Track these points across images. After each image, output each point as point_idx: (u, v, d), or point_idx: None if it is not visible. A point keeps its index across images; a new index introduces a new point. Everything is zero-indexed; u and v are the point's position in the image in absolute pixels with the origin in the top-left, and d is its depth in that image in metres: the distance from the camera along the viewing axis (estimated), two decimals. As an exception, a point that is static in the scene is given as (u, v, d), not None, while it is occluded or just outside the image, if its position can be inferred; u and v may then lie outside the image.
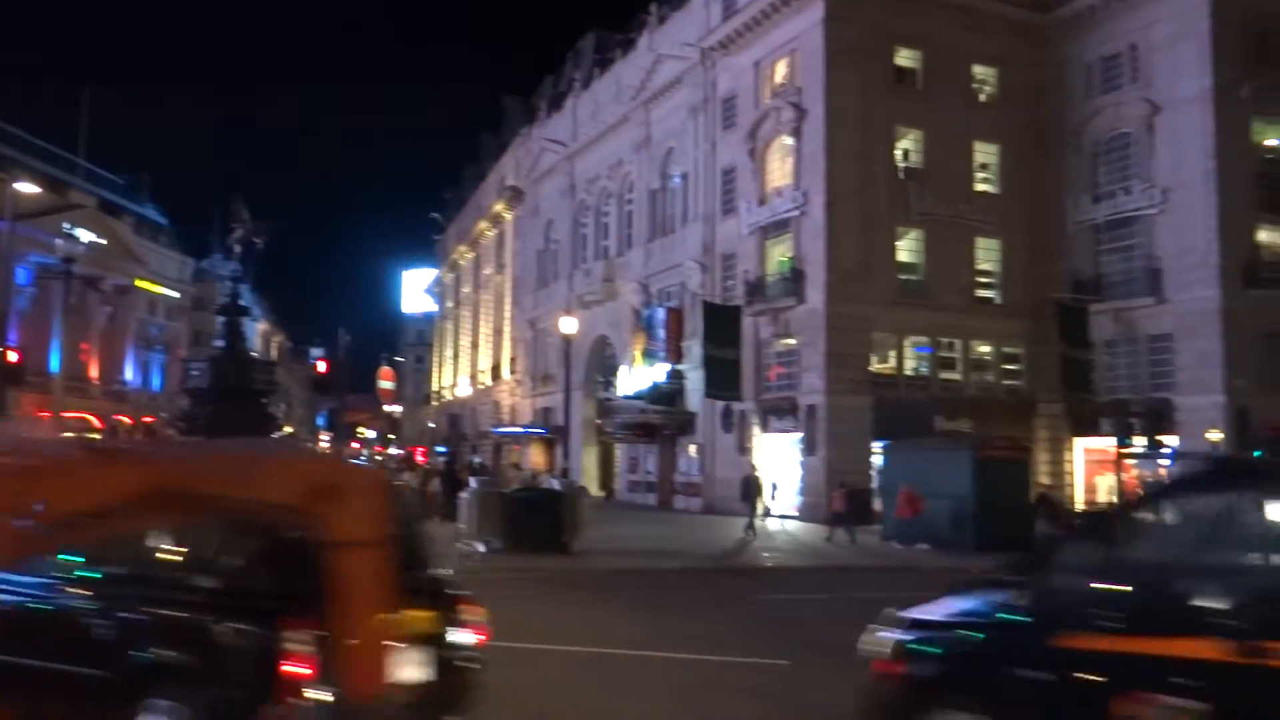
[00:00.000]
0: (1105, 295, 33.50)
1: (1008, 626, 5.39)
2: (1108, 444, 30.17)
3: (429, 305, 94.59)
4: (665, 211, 43.81)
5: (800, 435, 33.34)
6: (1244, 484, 5.54)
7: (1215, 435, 28.87)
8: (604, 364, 47.78)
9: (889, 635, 5.91)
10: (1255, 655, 4.48)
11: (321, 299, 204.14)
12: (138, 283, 64.73)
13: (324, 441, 66.96)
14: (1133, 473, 31.52)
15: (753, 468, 30.45)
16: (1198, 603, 4.91)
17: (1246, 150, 32.11)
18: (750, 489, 27.70)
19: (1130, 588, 5.14)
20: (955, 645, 5.63)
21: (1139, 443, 26.32)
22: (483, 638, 6.34)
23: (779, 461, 34.09)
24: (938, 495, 24.08)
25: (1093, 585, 5.23)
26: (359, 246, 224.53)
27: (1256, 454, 28.13)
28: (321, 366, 38.81)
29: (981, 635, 5.53)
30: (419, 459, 46.85)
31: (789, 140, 35.43)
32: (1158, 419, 28.81)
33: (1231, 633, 4.59)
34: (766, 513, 29.58)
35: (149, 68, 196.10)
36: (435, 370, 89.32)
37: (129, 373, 64.89)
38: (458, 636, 6.19)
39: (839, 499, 26.11)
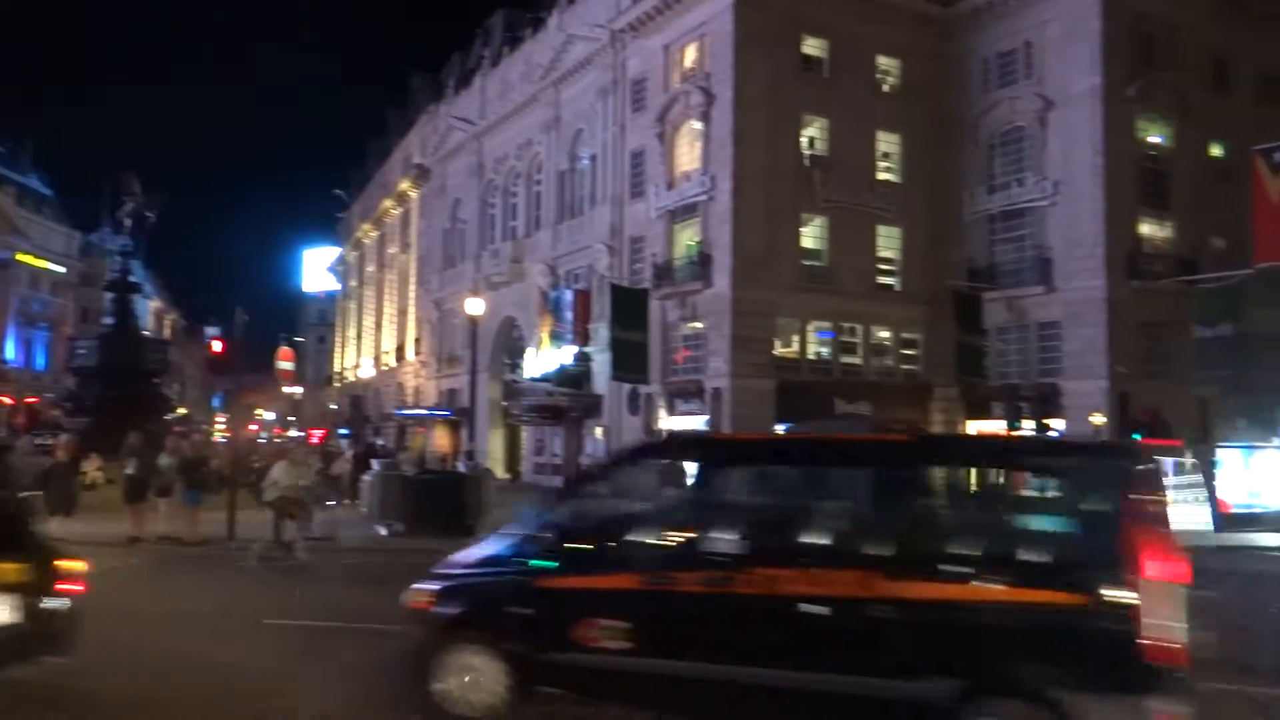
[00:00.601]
0: (999, 283, 34.67)
1: (508, 570, 6.62)
2: (999, 427, 31.29)
3: (331, 284, 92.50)
4: (574, 193, 43.67)
5: (706, 418, 33.71)
6: (667, 454, 8.14)
7: (1098, 419, 30.23)
8: (511, 346, 47.49)
9: (424, 585, 6.94)
10: (661, 583, 6.09)
11: (218, 276, 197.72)
12: (19, 256, 61.69)
13: (220, 423, 65.07)
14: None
15: None
16: (624, 547, 6.42)
17: (1131, 147, 33.55)
18: None
19: (584, 536, 6.55)
20: (470, 589, 6.78)
21: (1027, 426, 27.35)
22: (79, 588, 7.03)
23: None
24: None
25: (563, 535, 6.58)
26: (259, 223, 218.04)
27: (1135, 436, 29.67)
28: (217, 346, 37.65)
29: (490, 579, 6.70)
30: (315, 441, 45.89)
31: (698, 125, 35.64)
32: (1045, 403, 30.04)
33: (644, 567, 6.18)
34: None
35: (35, 29, 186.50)
36: (337, 351, 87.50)
37: (10, 351, 61.90)
38: (51, 587, 6.89)
39: None
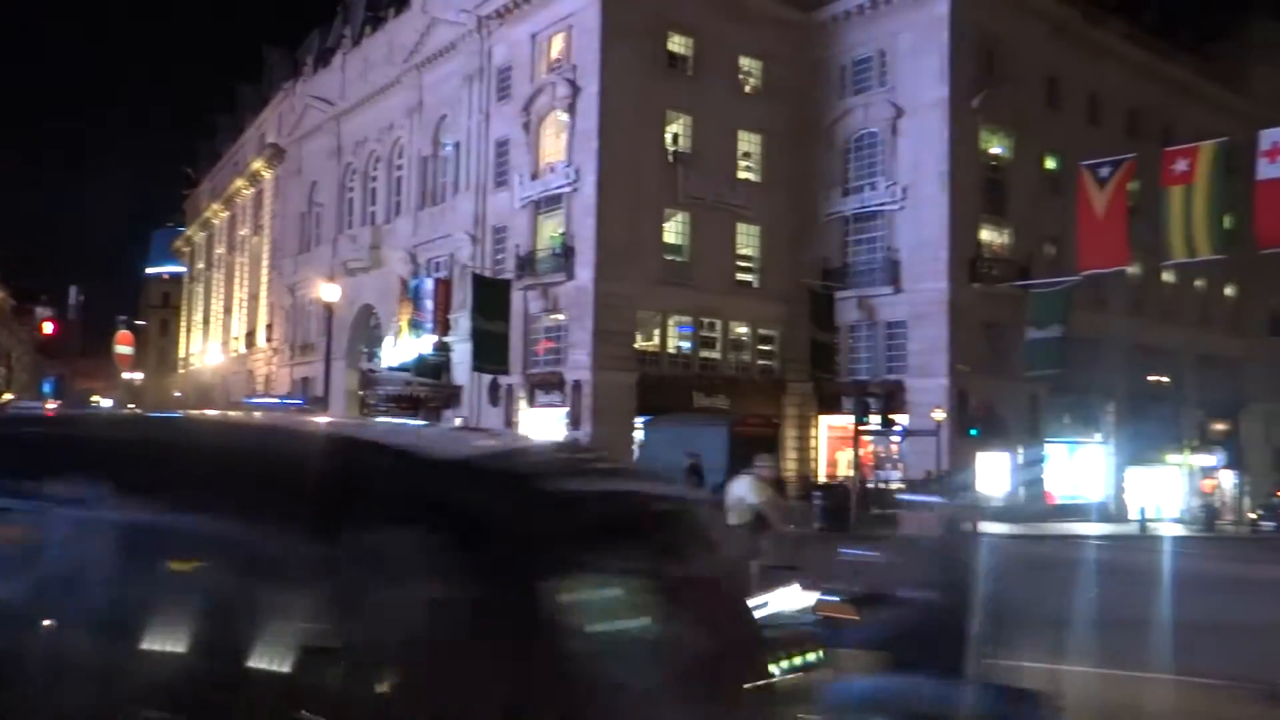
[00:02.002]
0: (851, 283, 35.99)
1: None
2: (848, 421, 32.58)
3: (177, 266, 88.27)
4: (436, 180, 42.98)
5: (566, 410, 33.81)
6: None
7: (939, 414, 31.77)
8: (368, 334, 46.43)
9: None
10: None
11: (52, 253, 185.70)
12: None
13: (50, 409, 61.16)
14: (868, 448, 34.24)
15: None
16: None
17: (975, 156, 35.38)
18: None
19: None
20: None
21: (874, 420, 28.53)
22: None
23: (544, 436, 34.41)
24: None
25: None
26: (98, 198, 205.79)
27: (972, 432, 31.35)
28: (49, 327, 35.41)
29: None
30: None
31: (563, 116, 35.62)
32: (891, 399, 31.40)
33: None
34: None
35: None
36: (183, 336, 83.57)
37: None
38: None
39: None
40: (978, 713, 3.91)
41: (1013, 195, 36.39)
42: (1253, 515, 39.99)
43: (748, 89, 37.65)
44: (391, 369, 41.19)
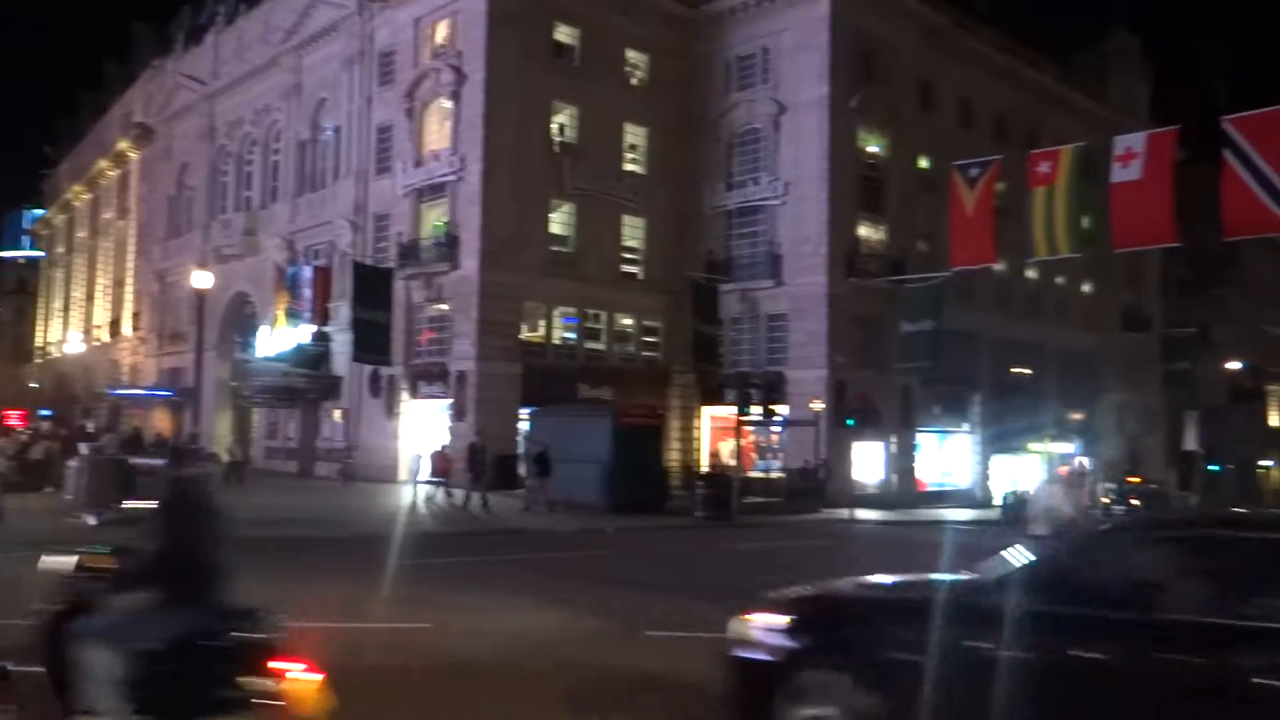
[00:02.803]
0: (735, 276, 36.59)
1: None
2: (731, 412, 33.11)
3: (34, 250, 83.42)
4: (316, 165, 41.80)
5: (450, 401, 33.43)
6: None
7: (818, 405, 32.64)
8: (242, 323, 44.86)
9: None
10: None
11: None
12: None
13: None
14: (750, 438, 34.92)
15: (479, 434, 29.12)
16: None
17: (853, 155, 36.40)
18: (478, 457, 25.74)
19: None
20: None
21: (755, 411, 29.09)
22: None
23: (427, 427, 33.96)
24: (581, 459, 25.11)
25: None
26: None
27: (849, 422, 32.27)
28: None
29: None
30: (12, 423, 41.43)
31: (448, 103, 35.13)
32: (772, 390, 32.09)
33: None
34: (444, 482, 27.12)
35: None
36: (40, 324, 79.06)
37: None
38: None
39: (444, 460, 26.49)
40: (194, 630, 4.53)
41: (888, 193, 37.58)
42: (1105, 500, 42.29)
43: (634, 82, 37.83)
44: (267, 359, 39.93)
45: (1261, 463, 58.89)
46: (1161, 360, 50.58)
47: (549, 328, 35.50)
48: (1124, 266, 47.33)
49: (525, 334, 34.48)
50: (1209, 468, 54.05)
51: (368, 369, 35.07)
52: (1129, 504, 40.54)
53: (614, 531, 20.56)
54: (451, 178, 34.34)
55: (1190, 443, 50.98)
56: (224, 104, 47.39)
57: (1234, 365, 53.00)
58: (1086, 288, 47.12)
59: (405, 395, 35.19)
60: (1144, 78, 51.47)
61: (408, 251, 35.33)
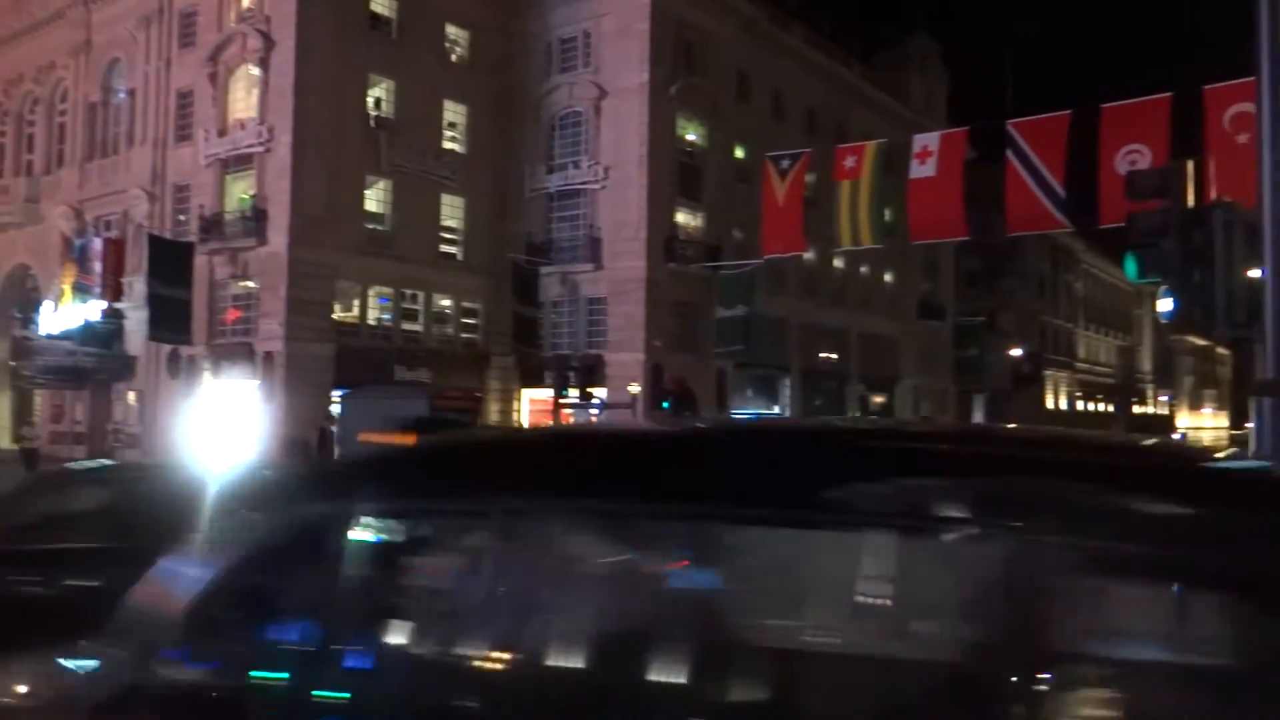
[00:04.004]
0: (555, 259, 36.63)
1: None
2: (550, 394, 33.24)
3: None
4: (108, 129, 38.97)
5: (257, 383, 32.05)
6: None
7: (635, 388, 33.20)
8: (23, 297, 41.43)
9: None
10: None
11: None
12: None
13: None
14: (569, 420, 35.12)
15: (327, 418, 27.71)
16: None
17: (671, 142, 37.04)
18: (325, 443, 24.42)
19: None
20: None
21: (573, 394, 29.31)
22: None
23: (232, 410, 32.41)
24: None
25: None
26: None
27: (664, 405, 32.95)
28: None
29: None
30: None
31: (255, 70, 33.47)
32: (590, 373, 32.39)
33: None
34: None
35: None
36: None
37: None
38: None
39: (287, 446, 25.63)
40: None
41: (706, 181, 38.48)
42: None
43: (454, 58, 37.14)
44: (51, 337, 37.00)
45: (1039, 441, 64.00)
46: (954, 347, 54.22)
47: (364, 308, 34.51)
48: (922, 258, 50.32)
49: (338, 314, 33.41)
50: (993, 446, 58.38)
51: (166, 348, 33.10)
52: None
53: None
54: (259, 148, 32.78)
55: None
56: (1, 58, 43.42)
57: (1016, 352, 57.33)
58: (888, 277, 49.79)
59: (208, 376, 33.45)
60: (941, 80, 54.70)
61: (211, 225, 33.53)
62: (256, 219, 32.43)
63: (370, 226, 34.38)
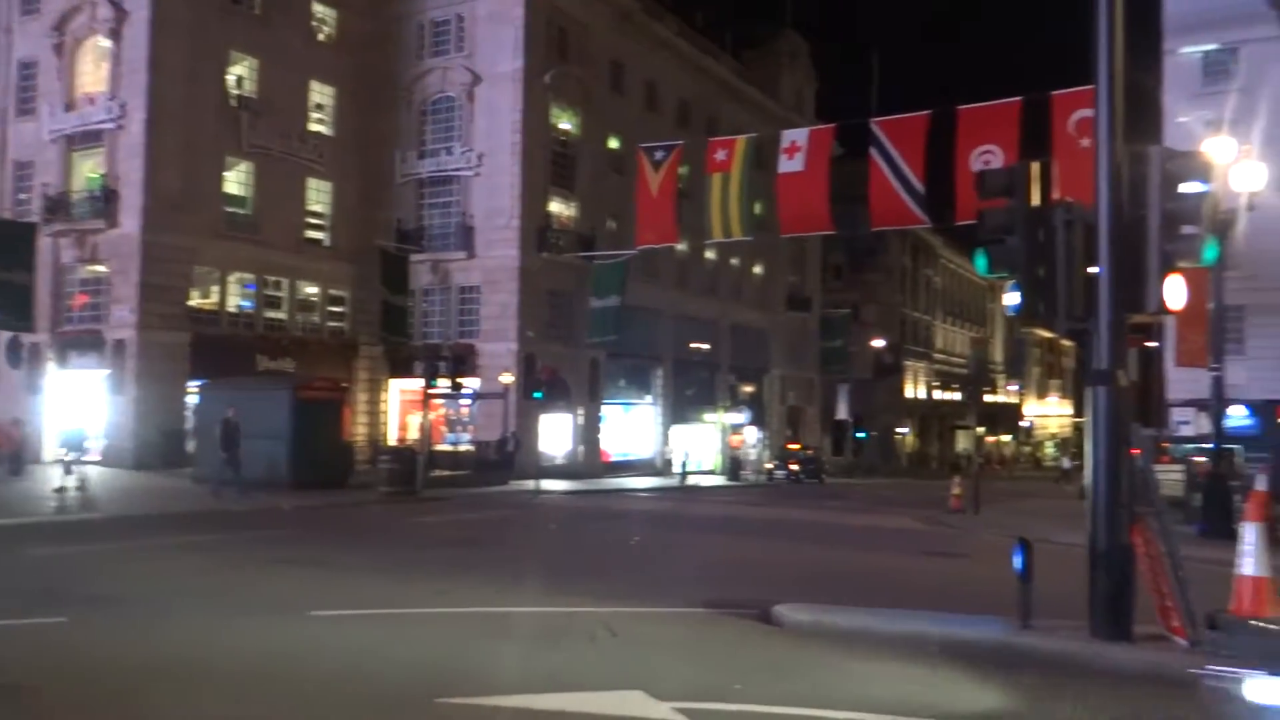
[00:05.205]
0: (426, 246, 36.06)
1: None
2: (420, 385, 32.68)
3: None
4: (-63, 100, 36.23)
5: (108, 372, 30.46)
6: None
7: (507, 378, 33.00)
8: None
9: None
10: None
11: None
12: None
13: None
14: (439, 411, 34.71)
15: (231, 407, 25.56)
16: None
17: (545, 130, 36.90)
18: (231, 434, 21.84)
19: None
20: None
21: (444, 384, 28.92)
22: None
23: (81, 401, 30.74)
24: (258, 435, 23.68)
25: None
26: None
27: (536, 395, 32.87)
28: None
29: None
30: None
31: (106, 42, 31.72)
32: (462, 362, 32.00)
33: None
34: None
35: None
36: None
37: None
38: None
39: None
40: None
41: (580, 170, 38.48)
42: (769, 466, 46.15)
43: (321, 37, 36.05)
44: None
45: (899, 429, 66.60)
46: (820, 337, 55.81)
47: (223, 295, 33.19)
48: (790, 251, 51.57)
49: (195, 301, 32.05)
50: (857, 434, 60.47)
51: (6, 335, 31.09)
52: (789, 468, 44.57)
53: (291, 510, 19.72)
54: (110, 125, 31.11)
55: (842, 412, 56.75)
56: None
57: (879, 343, 59.40)
58: (758, 269, 50.85)
59: (52, 365, 31.58)
60: (810, 78, 56.10)
61: (56, 205, 31.66)
62: (107, 200, 30.80)
63: (231, 210, 33.09)
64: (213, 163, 32.26)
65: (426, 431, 28.00)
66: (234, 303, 33.63)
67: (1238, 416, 29.70)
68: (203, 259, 31.91)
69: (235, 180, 33.44)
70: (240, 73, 33.44)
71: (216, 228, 32.07)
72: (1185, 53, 36.31)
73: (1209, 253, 7.87)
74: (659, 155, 30.13)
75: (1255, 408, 31.45)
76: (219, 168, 32.59)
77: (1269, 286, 32.43)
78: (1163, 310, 7.59)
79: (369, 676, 6.51)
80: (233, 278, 33.45)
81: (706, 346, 44.40)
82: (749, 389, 49.03)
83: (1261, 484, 12.26)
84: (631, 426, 41.95)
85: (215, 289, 32.86)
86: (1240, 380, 28.26)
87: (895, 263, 64.12)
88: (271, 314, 34.64)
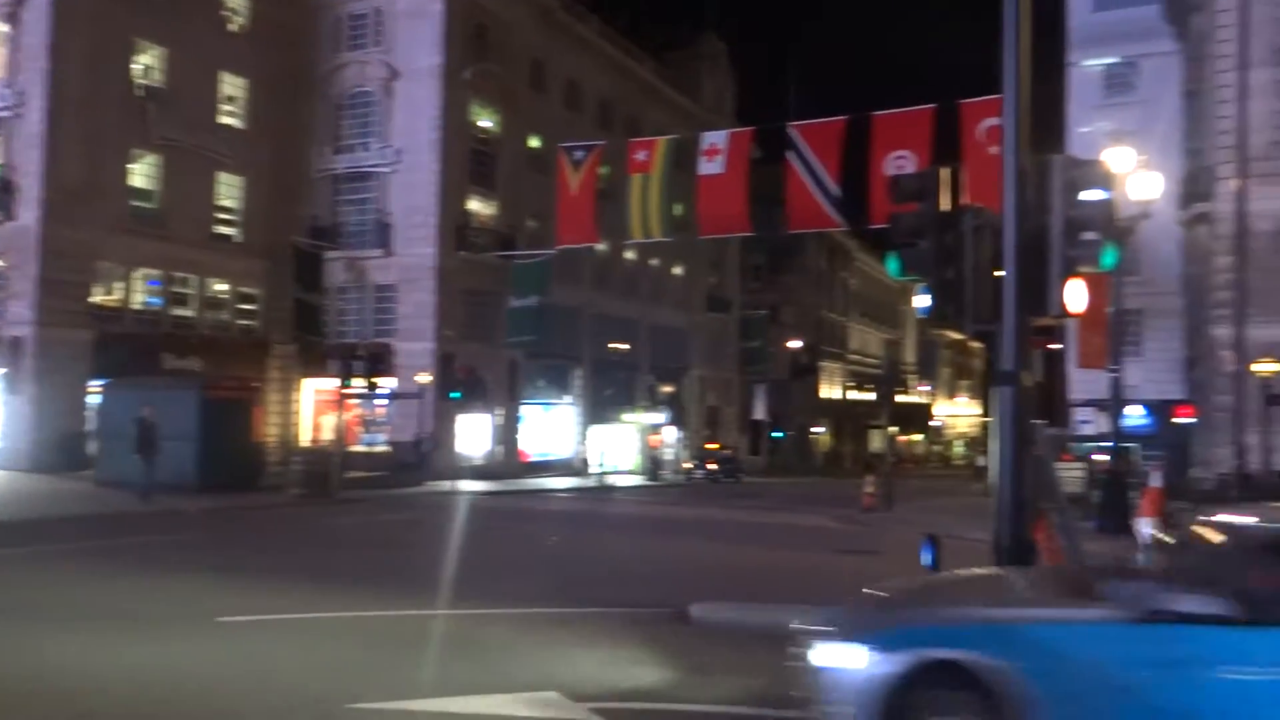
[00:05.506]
0: (342, 244, 35.38)
1: None
2: (335, 384, 32.09)
3: None
4: None
5: (3, 371, 29.20)
6: None
7: (425, 377, 32.59)
8: None
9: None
10: None
11: None
12: None
13: None
14: (354, 411, 34.14)
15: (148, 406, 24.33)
16: None
17: (465, 127, 36.56)
18: (147, 434, 20.89)
19: None
20: None
21: (359, 384, 28.45)
22: None
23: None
24: (165, 437, 22.90)
25: None
26: None
27: (454, 395, 32.57)
28: None
29: None
30: None
31: (3, 27, 30.39)
32: (378, 361, 31.49)
33: None
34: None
35: None
36: None
37: None
38: None
39: None
40: None
41: (500, 169, 38.20)
42: (687, 465, 46.46)
43: (233, 27, 35.07)
44: None
45: (814, 429, 67.68)
46: (739, 338, 56.39)
47: (128, 291, 32.07)
48: (710, 252, 51.98)
49: (98, 297, 30.90)
50: (774, 434, 61.28)
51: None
52: (708, 468, 44.93)
53: (198, 513, 19.17)
54: (6, 114, 29.81)
55: (759, 412, 57.44)
56: None
57: (796, 344, 60.25)
58: (678, 270, 51.13)
59: (-58, 363, 30.16)
60: (730, 80, 56.63)
61: (-54, 196, 30.20)
62: (4, 191, 29.52)
63: (136, 204, 31.97)
64: (117, 154, 31.15)
65: (341, 432, 27.53)
66: (139, 300, 32.53)
67: (1135, 416, 30.93)
68: (106, 254, 30.77)
69: (141, 173, 32.33)
70: (147, 62, 32.35)
71: (121, 222, 30.97)
72: (1088, 65, 37.69)
73: (1108, 258, 8.17)
74: (579, 155, 30.12)
75: (1151, 407, 32.79)
76: (123, 160, 31.47)
77: (1163, 291, 33.86)
78: (1064, 313, 7.86)
79: (281, 684, 6.37)
80: (138, 274, 32.34)
81: (626, 347, 44.47)
82: (668, 389, 49.26)
83: (1156, 481, 12.80)
84: (551, 427, 41.81)
85: (120, 285, 31.74)
86: (1137, 381, 29.44)
87: (813, 265, 65.13)
88: (179, 311, 33.58)
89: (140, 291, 32.55)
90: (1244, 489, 18.93)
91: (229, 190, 35.02)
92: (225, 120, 34.72)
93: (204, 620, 8.46)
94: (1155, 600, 4.52)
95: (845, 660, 4.93)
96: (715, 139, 27.67)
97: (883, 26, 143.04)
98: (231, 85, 34.96)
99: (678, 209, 28.62)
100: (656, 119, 46.09)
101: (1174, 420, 31.22)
